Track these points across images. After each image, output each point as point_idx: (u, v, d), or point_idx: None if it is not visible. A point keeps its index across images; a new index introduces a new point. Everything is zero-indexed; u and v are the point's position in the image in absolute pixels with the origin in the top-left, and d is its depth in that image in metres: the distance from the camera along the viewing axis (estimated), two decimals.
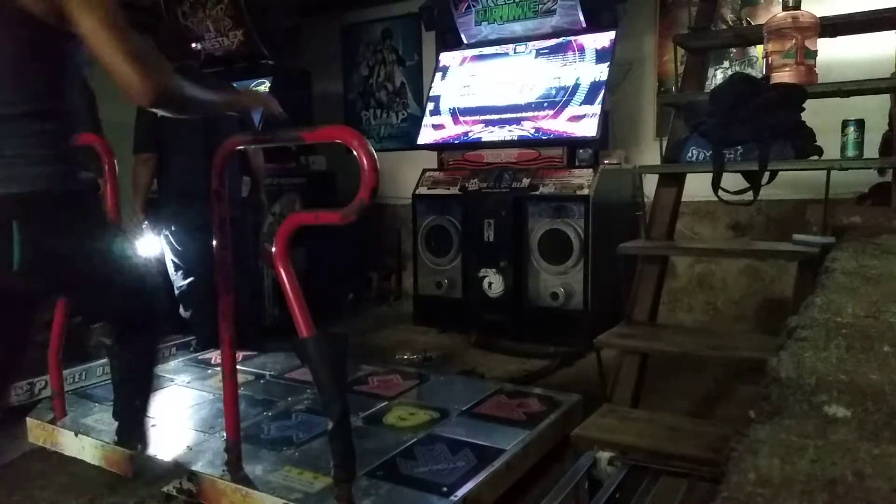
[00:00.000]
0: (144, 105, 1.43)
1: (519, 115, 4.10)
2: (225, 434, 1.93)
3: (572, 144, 3.88)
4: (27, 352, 1.71)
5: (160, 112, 1.51)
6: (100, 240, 1.62)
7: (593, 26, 4.01)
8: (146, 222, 3.34)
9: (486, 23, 4.35)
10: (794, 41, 2.47)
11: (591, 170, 3.77)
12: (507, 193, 3.91)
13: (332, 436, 1.66)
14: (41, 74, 1.47)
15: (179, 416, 2.45)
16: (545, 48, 4.16)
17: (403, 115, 5.41)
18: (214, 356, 3.10)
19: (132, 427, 2.13)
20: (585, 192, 3.68)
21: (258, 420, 2.37)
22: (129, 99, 1.41)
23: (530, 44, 4.23)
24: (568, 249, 3.72)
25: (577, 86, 3.95)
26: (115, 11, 1.39)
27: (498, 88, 4.26)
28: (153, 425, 2.24)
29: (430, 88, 4.57)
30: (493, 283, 3.93)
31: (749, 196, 2.48)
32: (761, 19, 3.54)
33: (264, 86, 4.59)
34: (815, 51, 2.51)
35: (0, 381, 1.71)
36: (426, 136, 4.42)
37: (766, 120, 2.38)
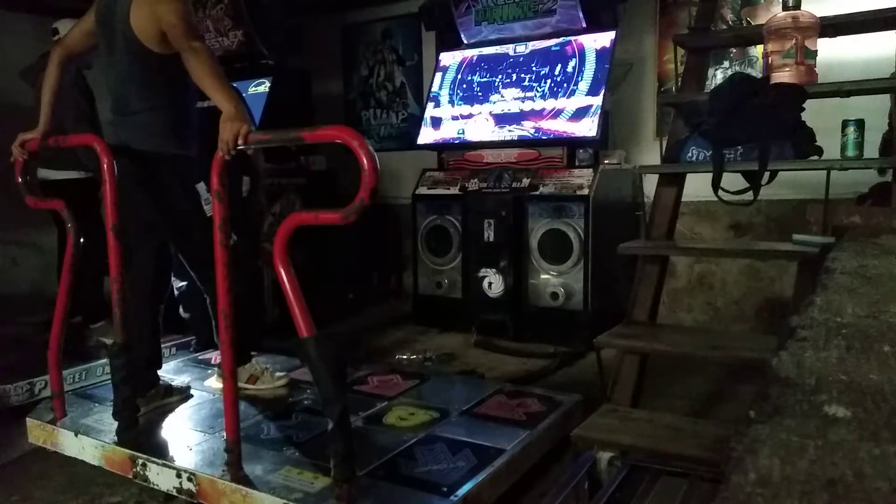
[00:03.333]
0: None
1: (519, 114, 4.10)
2: (225, 434, 1.93)
3: (572, 144, 3.88)
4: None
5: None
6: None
7: (593, 26, 4.02)
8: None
9: (485, 23, 4.35)
10: (794, 41, 2.47)
11: (591, 170, 3.77)
12: (507, 193, 3.92)
13: (331, 436, 1.66)
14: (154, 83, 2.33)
15: (179, 416, 2.45)
16: (545, 48, 4.16)
17: (403, 115, 5.41)
18: (214, 356, 3.10)
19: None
20: (585, 192, 3.68)
21: (258, 420, 2.37)
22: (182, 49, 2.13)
23: (530, 44, 4.23)
24: (568, 249, 3.72)
25: (576, 86, 3.95)
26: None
27: (497, 88, 4.26)
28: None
29: (430, 88, 4.57)
30: (493, 283, 3.93)
31: (749, 196, 2.48)
32: (761, 19, 3.54)
33: (264, 86, 4.59)
34: (815, 51, 2.51)
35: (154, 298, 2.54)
36: (426, 136, 4.43)
37: (766, 120, 2.38)
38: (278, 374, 2.75)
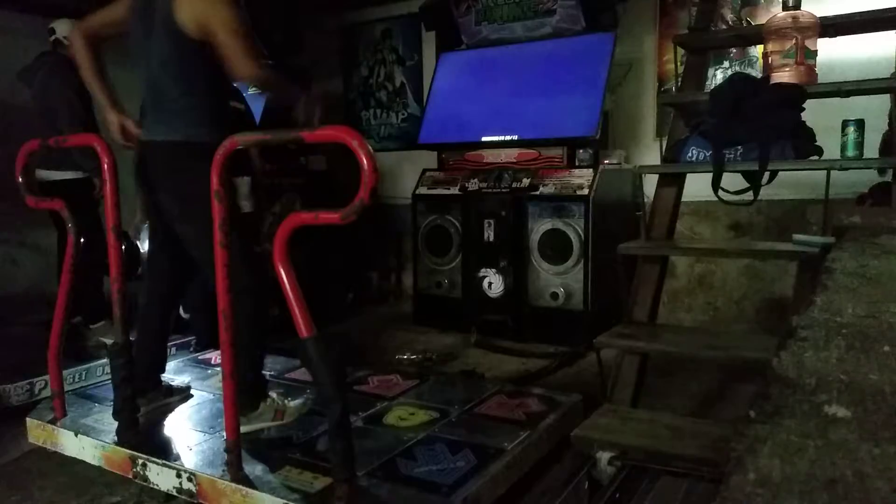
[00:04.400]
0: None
1: (519, 114, 4.10)
2: (225, 434, 1.93)
3: (572, 144, 3.88)
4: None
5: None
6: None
7: (593, 26, 4.02)
8: (147, 222, 3.34)
9: (486, 23, 4.35)
10: (794, 41, 2.47)
11: (591, 170, 3.77)
12: (507, 193, 3.92)
13: (331, 436, 1.66)
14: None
15: (179, 416, 2.44)
16: (545, 48, 4.16)
17: (403, 115, 5.41)
18: (214, 356, 3.10)
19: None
20: (585, 192, 3.68)
21: None
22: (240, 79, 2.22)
23: (530, 44, 4.23)
24: (568, 249, 3.72)
25: (577, 86, 3.95)
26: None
27: (497, 88, 4.26)
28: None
29: (430, 88, 4.57)
30: (493, 283, 3.93)
31: (749, 196, 2.48)
32: (761, 19, 3.54)
33: None
34: (815, 51, 2.50)
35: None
36: (426, 135, 4.42)
37: (766, 120, 2.38)
38: (290, 399, 2.43)
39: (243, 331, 2.16)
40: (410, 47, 5.32)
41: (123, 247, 2.23)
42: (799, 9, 2.53)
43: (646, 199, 2.91)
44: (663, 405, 2.72)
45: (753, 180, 2.47)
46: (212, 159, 2.16)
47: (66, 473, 2.36)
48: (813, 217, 2.49)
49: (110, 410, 2.21)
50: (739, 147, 2.45)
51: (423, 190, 4.29)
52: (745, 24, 3.92)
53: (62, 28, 3.65)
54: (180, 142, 2.21)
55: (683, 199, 2.83)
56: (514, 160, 4.04)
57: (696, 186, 2.76)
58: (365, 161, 1.52)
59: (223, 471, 1.91)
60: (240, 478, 1.87)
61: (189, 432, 2.27)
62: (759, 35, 2.70)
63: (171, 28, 2.13)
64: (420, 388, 2.73)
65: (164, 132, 2.21)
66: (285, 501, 1.76)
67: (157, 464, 2.02)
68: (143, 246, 3.41)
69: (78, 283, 2.36)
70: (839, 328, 1.03)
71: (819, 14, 2.51)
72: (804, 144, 2.39)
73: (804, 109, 2.41)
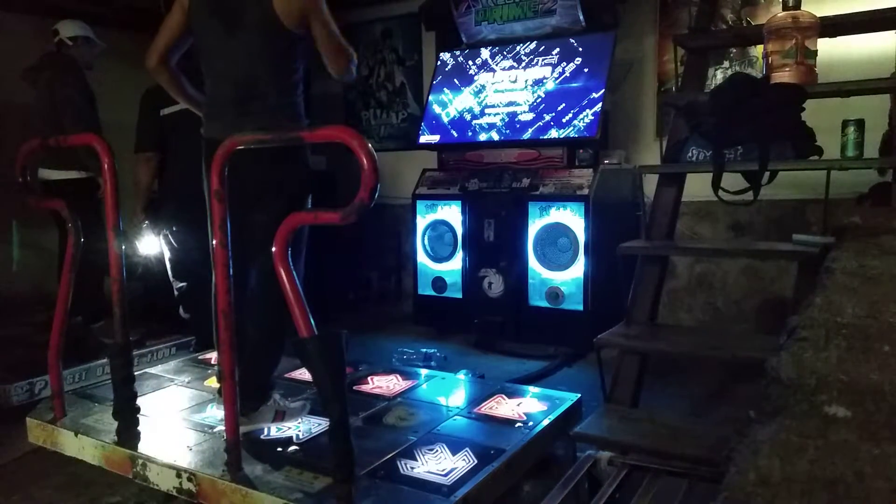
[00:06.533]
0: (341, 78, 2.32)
1: (518, 114, 4.10)
2: (225, 434, 1.93)
3: (572, 144, 3.88)
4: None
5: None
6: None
7: (593, 26, 4.02)
8: (147, 222, 3.34)
9: (486, 23, 4.35)
10: (794, 41, 2.47)
11: (590, 170, 3.78)
12: (507, 193, 3.92)
13: (331, 435, 1.66)
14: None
15: (179, 415, 2.44)
16: (545, 48, 4.16)
17: (403, 115, 5.41)
18: (214, 356, 3.10)
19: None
20: (585, 192, 3.68)
21: None
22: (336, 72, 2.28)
23: (530, 44, 4.23)
24: (568, 249, 3.72)
25: (576, 86, 3.95)
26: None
27: (497, 88, 4.26)
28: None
29: (430, 88, 4.57)
30: (493, 283, 3.93)
31: (749, 196, 2.48)
32: (761, 19, 3.54)
33: None
34: (815, 50, 2.51)
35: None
36: (426, 136, 4.43)
37: (766, 120, 2.38)
38: (290, 400, 2.40)
39: (275, 331, 2.17)
40: (410, 47, 5.32)
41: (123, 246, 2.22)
42: (799, 9, 2.54)
43: (646, 199, 2.91)
44: (663, 405, 2.72)
45: (753, 180, 2.47)
46: (304, 159, 2.24)
47: (66, 473, 2.36)
48: (813, 217, 2.50)
49: (110, 410, 2.21)
50: (739, 147, 2.45)
51: (423, 190, 4.29)
52: (745, 24, 3.92)
53: (66, 29, 3.64)
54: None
55: (683, 198, 2.83)
56: (514, 160, 4.04)
57: (696, 186, 2.76)
58: (365, 161, 1.51)
59: (223, 471, 1.91)
60: (240, 478, 1.87)
61: (189, 432, 2.27)
62: (759, 35, 2.70)
63: (266, 21, 2.10)
64: (420, 387, 2.73)
65: (252, 127, 2.04)
66: (285, 501, 1.76)
67: (157, 464, 2.02)
68: (143, 246, 3.41)
69: (78, 282, 2.36)
70: (839, 328, 1.03)
71: (819, 14, 2.52)
72: (804, 144, 2.39)
73: (804, 109, 2.41)
